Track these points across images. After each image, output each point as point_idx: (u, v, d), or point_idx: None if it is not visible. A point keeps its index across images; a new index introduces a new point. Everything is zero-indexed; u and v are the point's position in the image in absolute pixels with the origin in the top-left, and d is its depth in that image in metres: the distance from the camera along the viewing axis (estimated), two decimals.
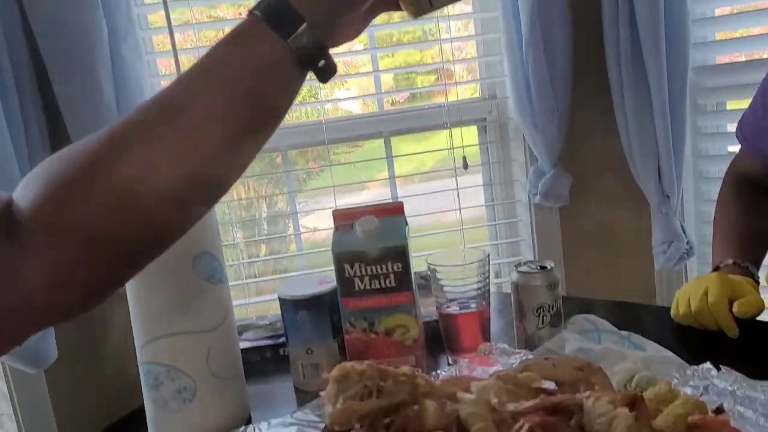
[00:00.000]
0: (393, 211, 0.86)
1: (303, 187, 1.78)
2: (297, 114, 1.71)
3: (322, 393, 0.51)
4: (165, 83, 1.53)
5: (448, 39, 1.59)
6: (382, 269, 0.82)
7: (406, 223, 0.87)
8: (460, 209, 1.67)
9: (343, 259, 0.82)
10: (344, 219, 0.86)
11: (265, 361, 1.00)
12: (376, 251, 0.82)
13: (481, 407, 0.47)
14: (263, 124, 0.53)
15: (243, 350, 0.99)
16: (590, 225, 1.64)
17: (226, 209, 1.65)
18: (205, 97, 0.49)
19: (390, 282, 0.82)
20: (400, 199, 0.88)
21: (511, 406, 0.45)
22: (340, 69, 0.64)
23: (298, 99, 1.61)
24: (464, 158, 1.63)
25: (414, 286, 0.85)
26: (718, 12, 1.56)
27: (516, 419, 0.45)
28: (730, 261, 0.99)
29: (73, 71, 1.26)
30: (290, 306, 0.87)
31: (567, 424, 0.45)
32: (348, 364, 0.50)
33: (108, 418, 0.90)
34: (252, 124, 0.52)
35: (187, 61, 1.55)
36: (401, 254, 0.82)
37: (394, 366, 0.51)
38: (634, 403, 0.52)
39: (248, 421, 0.80)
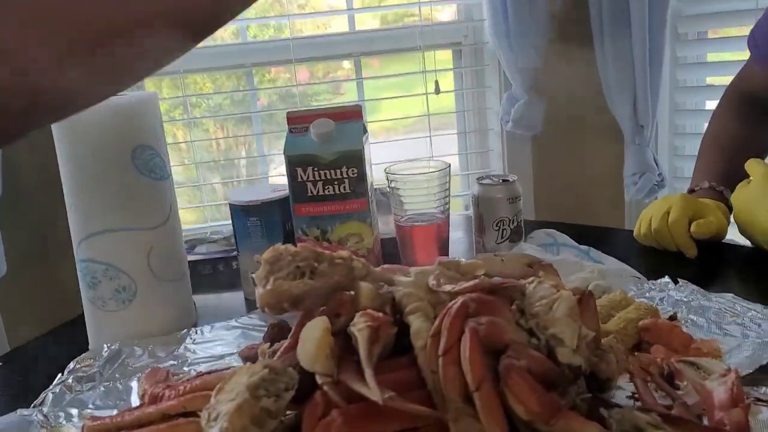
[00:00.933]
0: (350, 116, 0.82)
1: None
2: (265, 31, 1.63)
3: (253, 275, 0.47)
4: None
5: None
6: (336, 174, 0.78)
7: (365, 130, 0.83)
8: (430, 136, 1.63)
9: (295, 162, 0.78)
10: (299, 122, 0.81)
11: (217, 273, 0.97)
12: (330, 155, 0.78)
13: (418, 289, 0.44)
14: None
15: (194, 262, 0.96)
16: (562, 155, 1.62)
17: (203, 151, 1.60)
18: None
19: (344, 188, 0.79)
20: (358, 103, 0.83)
21: (448, 287, 0.43)
22: None
23: (262, 11, 1.54)
24: (436, 82, 1.58)
25: (370, 195, 0.81)
26: None
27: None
28: (706, 185, 0.96)
29: None
30: (240, 212, 0.83)
31: (507, 307, 0.42)
32: (281, 246, 0.47)
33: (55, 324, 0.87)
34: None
35: None
36: (356, 159, 0.78)
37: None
38: (581, 298, 0.50)
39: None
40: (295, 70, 1.56)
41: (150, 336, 0.72)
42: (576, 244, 0.84)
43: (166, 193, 0.74)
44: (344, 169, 0.78)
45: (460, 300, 0.39)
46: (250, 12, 1.58)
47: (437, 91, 1.59)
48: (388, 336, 0.41)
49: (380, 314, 0.41)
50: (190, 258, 0.94)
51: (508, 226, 0.85)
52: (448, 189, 0.87)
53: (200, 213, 1.66)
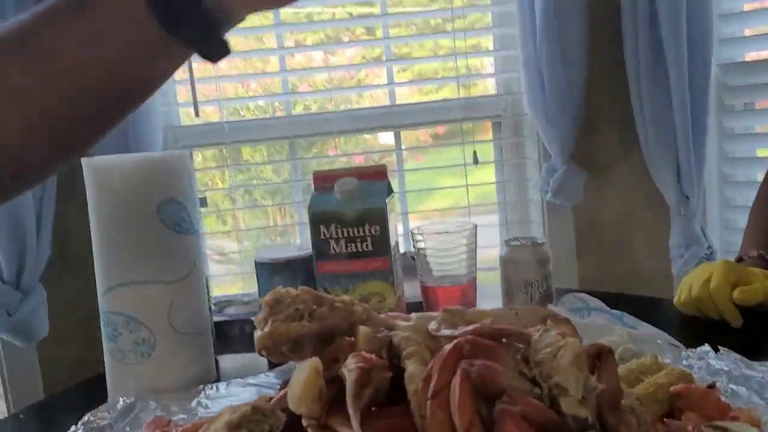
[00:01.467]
0: (375, 175, 0.83)
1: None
2: (306, 104, 1.69)
3: (253, 318, 0.47)
4: (182, 111, 1.56)
5: (461, 32, 1.56)
6: (358, 232, 0.78)
7: (391, 190, 0.83)
8: (469, 206, 1.62)
9: (318, 219, 0.79)
10: (324, 180, 0.82)
11: (243, 334, 0.96)
12: (353, 213, 0.78)
13: (417, 333, 0.42)
14: (118, 87, 0.47)
15: (221, 323, 0.96)
16: (604, 225, 1.58)
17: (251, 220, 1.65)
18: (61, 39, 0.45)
19: (366, 246, 0.78)
20: (383, 164, 0.84)
21: (447, 332, 0.41)
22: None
23: (307, 85, 1.61)
24: (474, 153, 1.59)
25: (394, 254, 0.81)
26: (747, 7, 1.50)
27: None
28: (755, 253, 0.92)
29: None
30: (265, 269, 0.83)
31: (508, 354, 0.40)
32: (282, 289, 0.47)
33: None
34: (104, 85, 0.46)
35: (205, 90, 1.55)
36: (379, 217, 0.78)
37: None
38: (600, 353, 0.47)
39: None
40: (337, 142, 1.60)
41: (168, 390, 0.71)
42: (608, 308, 0.81)
43: (190, 247, 0.75)
44: (367, 227, 0.78)
45: (453, 342, 0.37)
46: (296, 85, 1.65)
47: (476, 162, 1.60)
48: (381, 380, 0.39)
49: (373, 356, 0.40)
50: (219, 319, 0.95)
51: (537, 289, 0.82)
52: (475, 250, 0.85)
53: (246, 280, 1.67)
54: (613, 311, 0.79)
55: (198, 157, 1.63)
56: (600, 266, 1.58)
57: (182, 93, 1.56)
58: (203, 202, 1.66)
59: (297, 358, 0.45)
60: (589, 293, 0.88)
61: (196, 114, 1.50)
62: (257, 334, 0.45)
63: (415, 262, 0.87)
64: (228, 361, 0.85)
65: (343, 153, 1.65)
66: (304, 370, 0.39)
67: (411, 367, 0.39)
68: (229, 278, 1.67)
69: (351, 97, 1.67)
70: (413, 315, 0.45)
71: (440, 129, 1.71)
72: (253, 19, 1.53)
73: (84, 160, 0.71)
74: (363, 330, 0.43)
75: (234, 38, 1.64)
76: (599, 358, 0.46)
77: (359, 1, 1.62)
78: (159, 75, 0.49)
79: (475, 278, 0.86)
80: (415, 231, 0.85)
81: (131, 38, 0.45)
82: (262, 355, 0.45)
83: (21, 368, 1.40)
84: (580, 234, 1.59)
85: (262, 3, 0.46)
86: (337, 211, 0.78)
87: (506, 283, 0.84)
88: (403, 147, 1.67)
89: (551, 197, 1.51)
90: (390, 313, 0.48)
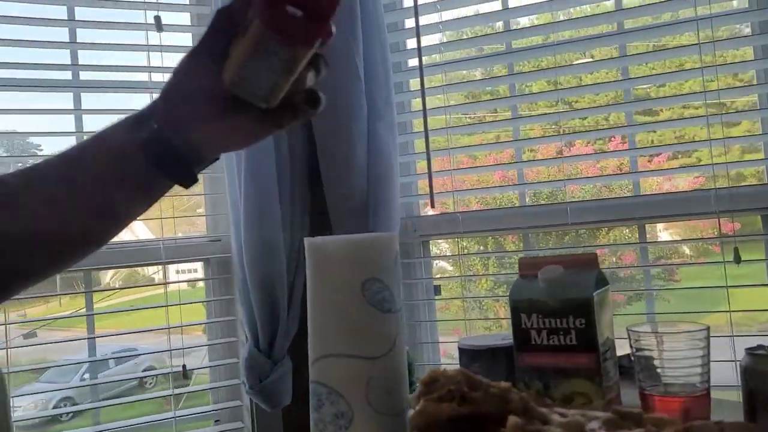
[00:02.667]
0: (585, 264, 0.77)
1: None
2: (539, 194, 1.67)
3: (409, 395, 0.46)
4: (419, 161, 1.67)
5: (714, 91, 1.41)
6: (561, 323, 0.73)
7: (604, 282, 0.77)
8: (730, 311, 1.40)
9: (519, 307, 0.76)
10: (530, 268, 0.79)
11: None
12: (556, 302, 0.73)
13: (570, 429, 0.37)
14: (102, 213, 0.62)
15: None
16: None
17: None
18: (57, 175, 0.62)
19: (570, 339, 0.72)
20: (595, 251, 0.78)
21: None
22: None
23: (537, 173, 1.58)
24: (736, 249, 1.38)
25: (603, 352, 0.73)
26: None
27: None
28: None
29: (335, 145, 1.44)
30: (466, 356, 0.82)
31: None
32: (439, 369, 0.45)
33: None
34: (91, 210, 0.61)
35: (442, 140, 1.65)
36: (585, 309, 0.72)
37: None
38: None
39: None
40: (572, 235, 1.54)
41: None
42: None
43: (391, 327, 0.77)
44: (571, 319, 0.72)
45: None
46: (527, 174, 1.64)
47: (737, 260, 1.39)
48: None
49: None
50: None
51: None
52: (707, 356, 0.73)
53: None
54: None
55: (434, 247, 1.70)
56: None
57: (421, 185, 1.66)
58: (437, 290, 1.70)
59: None
60: None
61: (432, 206, 1.58)
62: (409, 412, 0.44)
63: (628, 368, 0.78)
64: None
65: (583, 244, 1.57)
66: None
67: None
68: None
69: (586, 187, 1.60)
70: (572, 411, 0.40)
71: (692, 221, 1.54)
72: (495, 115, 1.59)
73: (305, 239, 0.79)
74: (512, 421, 0.40)
75: (473, 137, 1.71)
76: None
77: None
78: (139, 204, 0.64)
79: (709, 389, 0.73)
80: (633, 329, 0.76)
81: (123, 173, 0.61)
82: None
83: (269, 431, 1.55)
84: None
85: (234, 147, 0.63)
86: (539, 300, 0.74)
87: (748, 398, 0.70)
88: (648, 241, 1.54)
89: None
90: (556, 408, 0.44)
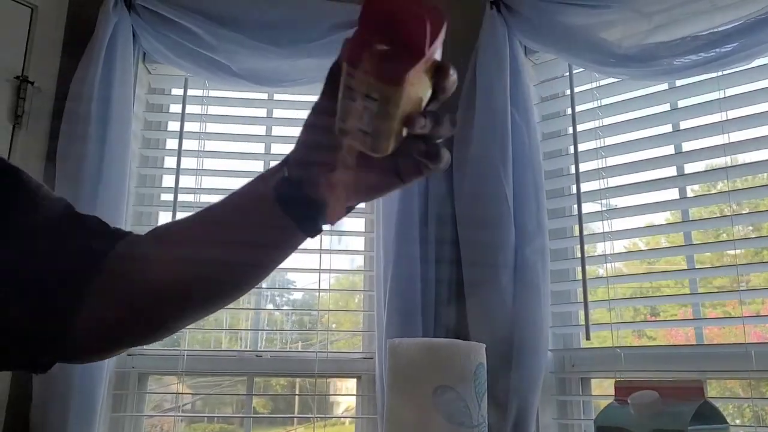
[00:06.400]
0: (689, 393, 0.66)
1: None
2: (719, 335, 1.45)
3: None
4: (581, 333, 1.55)
5: None
6: None
7: (715, 418, 0.65)
8: None
9: None
10: (626, 392, 0.70)
11: None
12: (644, 431, 0.63)
13: None
14: (240, 264, 0.64)
15: None
16: None
17: None
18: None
19: None
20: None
21: None
22: None
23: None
24: None
25: None
26: None
27: None
28: None
29: (480, 263, 1.44)
30: None
31: None
32: None
33: None
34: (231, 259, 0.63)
35: (599, 313, 1.55)
36: None
37: None
38: None
39: None
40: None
41: None
42: None
43: None
44: None
45: None
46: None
47: None
48: None
49: None
50: None
51: None
52: None
53: None
54: None
55: (594, 387, 1.54)
56: None
57: (581, 315, 1.55)
58: None
59: None
60: None
61: (587, 337, 1.47)
62: None
63: None
64: None
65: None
66: None
67: None
68: None
69: None
70: None
71: None
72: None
73: (388, 340, 0.80)
74: None
75: (629, 264, 1.56)
76: None
77: None
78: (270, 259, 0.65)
79: None
80: None
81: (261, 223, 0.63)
82: None
83: None
84: None
85: (356, 199, 0.61)
86: (624, 428, 0.65)
87: None
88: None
89: None
90: None
